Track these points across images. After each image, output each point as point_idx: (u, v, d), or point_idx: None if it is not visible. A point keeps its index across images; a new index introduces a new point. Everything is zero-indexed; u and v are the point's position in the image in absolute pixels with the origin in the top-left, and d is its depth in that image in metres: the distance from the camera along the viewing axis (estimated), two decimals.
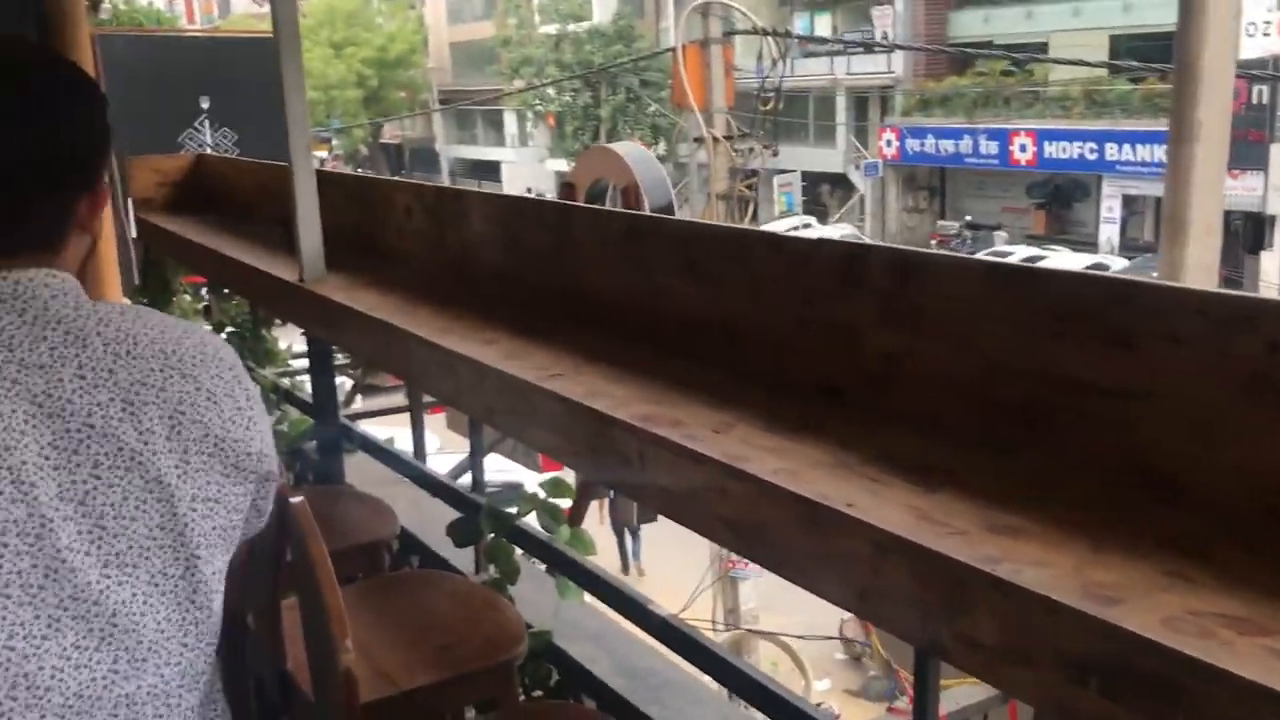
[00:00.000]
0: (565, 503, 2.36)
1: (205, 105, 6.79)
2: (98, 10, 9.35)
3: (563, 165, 28.61)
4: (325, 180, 3.43)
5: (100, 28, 9.14)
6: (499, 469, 9.55)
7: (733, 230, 1.87)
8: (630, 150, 8.45)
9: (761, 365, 1.79)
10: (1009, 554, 1.09)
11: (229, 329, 4.29)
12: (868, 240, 17.73)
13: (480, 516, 2.34)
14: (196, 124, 6.83)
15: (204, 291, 4.64)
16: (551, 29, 31.73)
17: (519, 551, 2.36)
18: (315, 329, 2.92)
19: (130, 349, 1.10)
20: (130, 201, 4.75)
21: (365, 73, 36.51)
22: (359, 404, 7.71)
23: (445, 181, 37.59)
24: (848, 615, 10.32)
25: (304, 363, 3.79)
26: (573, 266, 2.27)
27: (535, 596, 2.32)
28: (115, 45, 6.37)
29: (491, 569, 2.28)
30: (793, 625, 9.92)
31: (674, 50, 11.01)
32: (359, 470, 3.29)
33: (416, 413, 3.25)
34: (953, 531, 1.16)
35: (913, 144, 26.84)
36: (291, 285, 2.89)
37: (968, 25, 26.73)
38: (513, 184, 33.51)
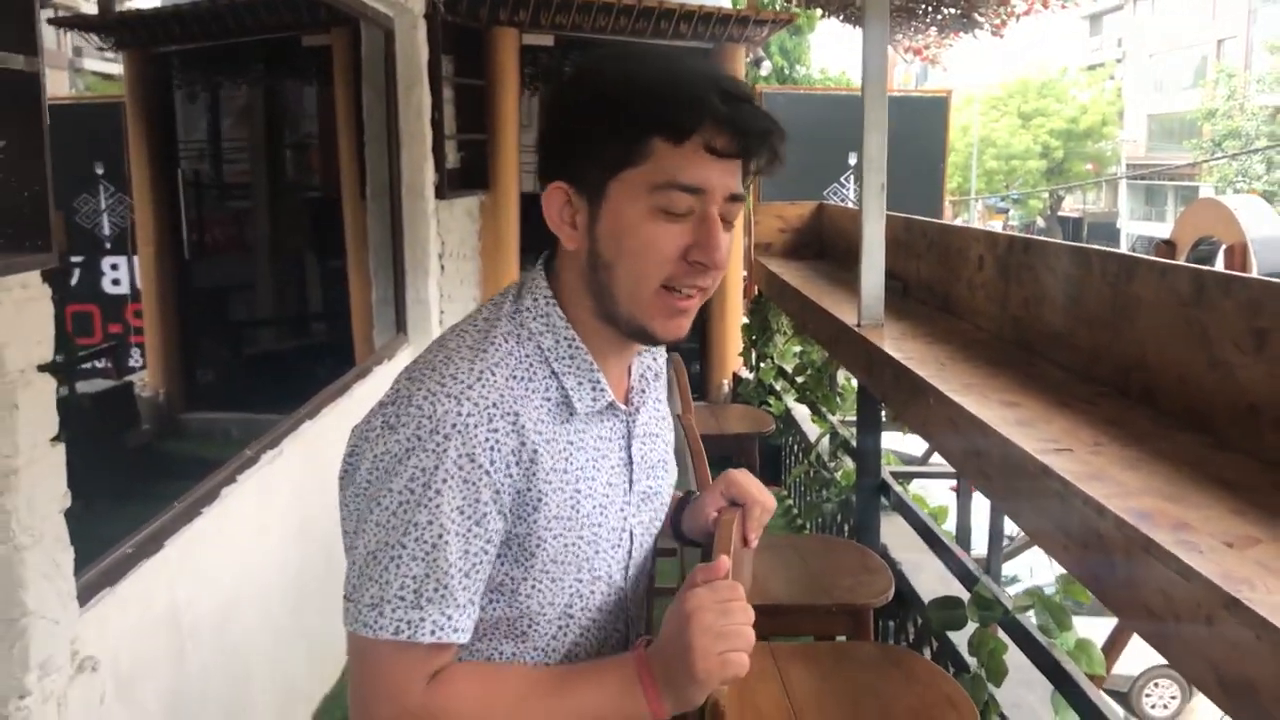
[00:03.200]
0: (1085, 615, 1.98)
1: (852, 161, 7.01)
2: (759, 67, 10.20)
3: None
4: (911, 228, 3.32)
5: (767, 85, 9.94)
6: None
7: None
8: (1244, 203, 7.07)
9: None
10: None
11: (806, 372, 4.34)
12: None
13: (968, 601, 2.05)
14: (842, 179, 7.08)
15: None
16: (1270, 101, 28.49)
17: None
18: (858, 373, 2.81)
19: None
20: (751, 243, 5.02)
21: (1051, 144, 35.70)
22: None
23: None
24: None
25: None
26: (1129, 330, 1.92)
27: (1033, 706, 1.97)
28: (777, 101, 6.83)
29: (974, 662, 1.99)
30: None
31: None
32: (903, 531, 3.11)
33: (963, 480, 2.99)
34: None
35: None
36: (847, 328, 2.82)
37: None
38: None
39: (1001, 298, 2.59)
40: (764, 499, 1.25)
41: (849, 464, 3.65)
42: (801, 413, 4.81)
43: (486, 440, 1.02)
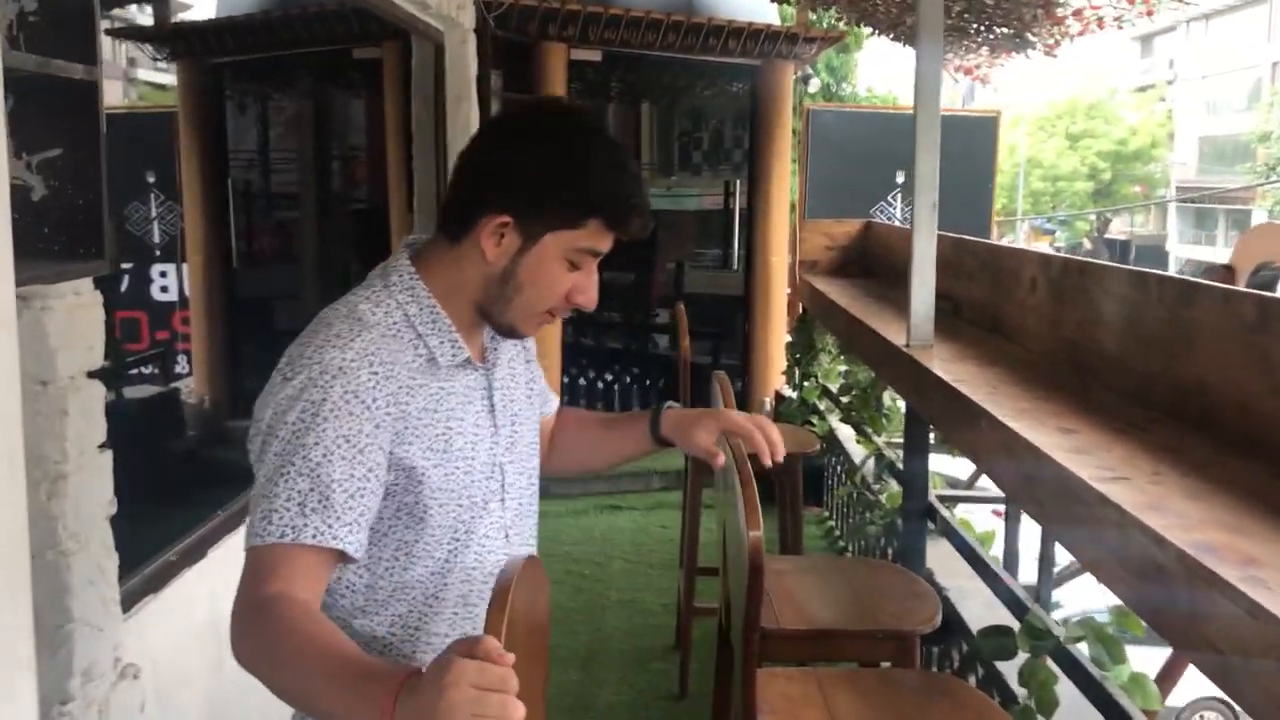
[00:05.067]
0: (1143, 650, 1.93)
1: (900, 179, 6.96)
2: (807, 84, 10.20)
3: None
4: (961, 248, 3.28)
5: (815, 102, 9.92)
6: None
7: None
8: None
9: None
10: None
11: (852, 392, 4.30)
12: None
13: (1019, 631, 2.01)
14: (889, 197, 7.03)
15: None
16: None
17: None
18: (908, 395, 2.77)
19: None
20: (797, 260, 4.99)
21: (1099, 165, 35.30)
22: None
23: None
24: None
25: None
26: (1189, 355, 1.87)
27: None
28: (825, 119, 6.80)
29: (1025, 693, 1.94)
30: None
31: None
32: (948, 555, 3.06)
33: (1013, 505, 2.93)
34: None
35: None
36: (896, 349, 2.78)
37: None
38: None
39: (1054, 320, 2.54)
40: (758, 423, 1.50)
41: (894, 486, 3.61)
42: (846, 433, 4.77)
43: (368, 380, 1.26)
